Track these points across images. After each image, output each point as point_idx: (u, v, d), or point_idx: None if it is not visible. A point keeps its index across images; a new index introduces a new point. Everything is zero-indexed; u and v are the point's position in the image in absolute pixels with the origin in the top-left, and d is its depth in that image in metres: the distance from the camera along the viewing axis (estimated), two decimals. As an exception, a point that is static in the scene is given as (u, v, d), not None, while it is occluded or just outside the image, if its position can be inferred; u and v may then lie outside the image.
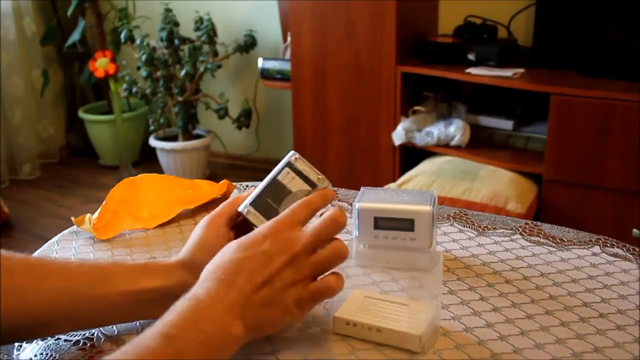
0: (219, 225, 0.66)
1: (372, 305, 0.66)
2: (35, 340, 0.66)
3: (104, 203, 0.93)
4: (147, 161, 3.52)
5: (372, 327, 0.63)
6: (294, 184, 0.66)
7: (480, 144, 2.33)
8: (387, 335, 0.63)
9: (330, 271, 0.60)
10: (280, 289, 0.57)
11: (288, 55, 2.67)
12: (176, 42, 3.05)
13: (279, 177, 0.66)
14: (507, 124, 2.33)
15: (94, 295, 0.63)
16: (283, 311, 0.58)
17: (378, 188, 0.78)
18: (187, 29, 3.12)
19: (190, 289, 0.57)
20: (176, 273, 0.65)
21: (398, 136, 2.36)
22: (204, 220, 0.68)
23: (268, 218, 0.63)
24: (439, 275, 0.65)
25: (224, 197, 1.00)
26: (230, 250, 0.59)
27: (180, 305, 0.54)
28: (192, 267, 0.64)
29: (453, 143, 2.28)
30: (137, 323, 0.68)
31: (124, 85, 3.13)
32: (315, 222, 0.60)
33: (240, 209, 0.66)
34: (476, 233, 0.89)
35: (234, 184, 1.04)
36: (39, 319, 0.61)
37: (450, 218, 0.94)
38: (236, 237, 0.62)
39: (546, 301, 0.71)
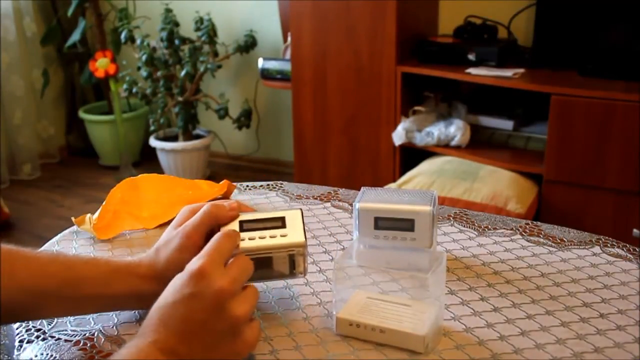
0: (196, 246, 0.65)
1: (374, 306, 0.66)
2: (36, 341, 0.66)
3: (104, 203, 0.93)
4: (148, 161, 3.52)
5: (375, 327, 0.63)
6: (279, 263, 0.66)
7: (480, 144, 2.33)
8: (390, 336, 0.63)
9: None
10: (217, 334, 0.57)
11: (288, 55, 2.67)
12: (176, 42, 3.06)
13: (274, 256, 0.65)
14: (507, 124, 2.33)
15: (63, 297, 0.64)
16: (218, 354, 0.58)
17: (378, 188, 0.78)
18: (187, 29, 3.12)
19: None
20: (146, 281, 0.66)
21: (398, 136, 2.36)
22: (181, 233, 0.67)
23: None
24: (442, 275, 0.65)
25: (224, 197, 1.00)
26: (165, 293, 0.58)
27: (119, 353, 0.54)
28: (164, 280, 0.63)
29: (453, 143, 2.28)
30: (138, 324, 0.68)
31: (124, 86, 3.14)
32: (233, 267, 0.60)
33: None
34: (476, 233, 0.89)
35: (234, 184, 1.04)
36: (8, 311, 0.61)
37: (451, 218, 0.94)
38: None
39: (546, 301, 0.71)
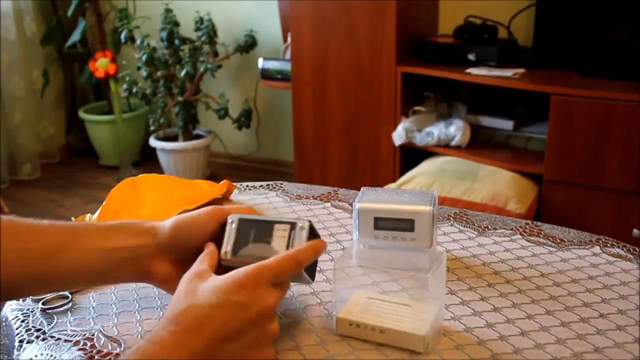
0: (204, 222, 0.67)
1: (375, 306, 0.66)
2: (36, 341, 0.66)
3: (104, 203, 0.93)
4: (148, 161, 3.52)
5: (376, 327, 0.63)
6: (278, 243, 0.65)
7: (480, 144, 2.33)
8: (390, 336, 0.63)
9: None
10: (246, 343, 0.57)
11: (288, 55, 2.67)
12: (176, 42, 3.05)
13: (275, 227, 0.65)
14: (507, 124, 2.33)
15: (65, 254, 0.64)
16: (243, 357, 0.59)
17: (378, 188, 0.78)
18: (187, 29, 3.12)
19: (156, 254, 0.63)
20: (148, 236, 0.67)
21: (398, 136, 2.36)
22: (210, 207, 0.69)
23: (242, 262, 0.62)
24: (442, 275, 0.65)
25: (224, 197, 1.00)
26: (202, 293, 0.58)
27: (144, 348, 0.53)
28: (162, 237, 0.66)
29: (453, 143, 2.28)
30: (138, 324, 0.68)
31: (124, 86, 3.14)
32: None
33: (222, 251, 0.66)
34: (476, 233, 0.89)
35: (234, 184, 1.04)
36: (10, 280, 0.61)
37: (451, 218, 0.94)
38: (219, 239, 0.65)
39: (546, 301, 0.71)
